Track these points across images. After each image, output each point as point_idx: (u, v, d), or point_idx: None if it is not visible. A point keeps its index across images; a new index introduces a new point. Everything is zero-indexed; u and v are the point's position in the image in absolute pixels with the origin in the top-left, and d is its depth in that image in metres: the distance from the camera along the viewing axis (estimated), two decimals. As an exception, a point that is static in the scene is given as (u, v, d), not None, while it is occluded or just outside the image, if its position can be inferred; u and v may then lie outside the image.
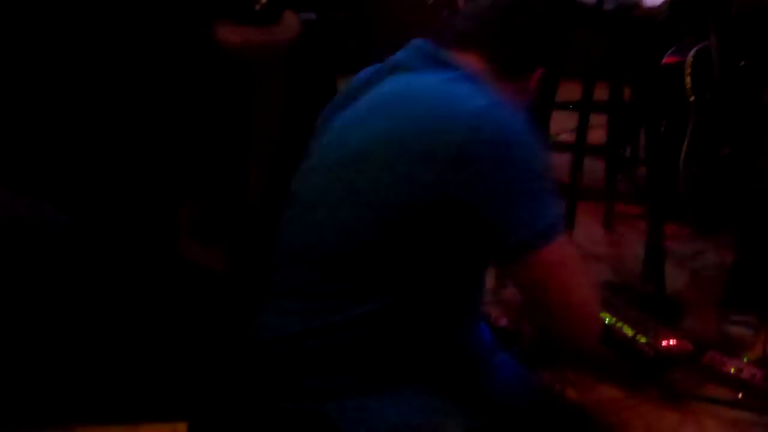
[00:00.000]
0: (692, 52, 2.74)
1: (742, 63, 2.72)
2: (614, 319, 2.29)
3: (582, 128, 2.70)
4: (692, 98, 2.70)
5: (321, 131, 1.60)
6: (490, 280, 2.59)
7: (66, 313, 1.75)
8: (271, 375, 1.52)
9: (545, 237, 1.41)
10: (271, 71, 2.47)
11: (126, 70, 2.37)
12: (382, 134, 1.44)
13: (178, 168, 2.50)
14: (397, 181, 1.40)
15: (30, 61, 2.30)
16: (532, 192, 1.40)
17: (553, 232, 1.42)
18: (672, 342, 2.28)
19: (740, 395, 2.22)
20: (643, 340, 2.26)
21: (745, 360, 2.32)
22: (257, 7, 2.45)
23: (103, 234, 2.10)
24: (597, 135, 3.09)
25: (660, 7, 2.75)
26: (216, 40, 2.41)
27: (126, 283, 2.19)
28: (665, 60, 2.82)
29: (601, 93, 2.95)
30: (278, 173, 2.57)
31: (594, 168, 3.12)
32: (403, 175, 1.40)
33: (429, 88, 1.46)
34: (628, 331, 2.28)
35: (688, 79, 2.71)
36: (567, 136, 3.26)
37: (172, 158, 2.47)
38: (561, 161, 3.09)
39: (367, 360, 1.45)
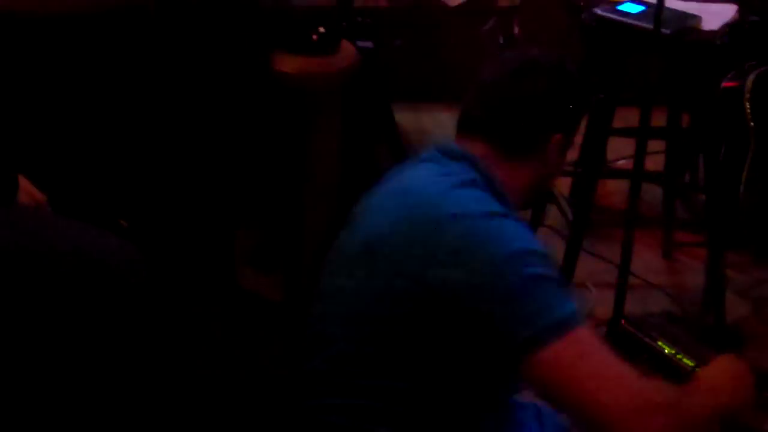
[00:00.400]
0: (752, 77, 2.70)
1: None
2: (673, 351, 2.26)
3: (639, 155, 2.67)
4: (752, 123, 2.67)
5: (355, 214, 1.60)
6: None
7: (126, 340, 1.77)
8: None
9: (552, 333, 1.34)
10: (328, 101, 2.49)
11: (185, 101, 2.41)
12: (385, 231, 1.45)
13: (237, 196, 2.53)
14: (400, 277, 1.41)
15: (87, 94, 2.35)
16: (532, 289, 1.36)
17: (561, 327, 1.34)
18: (734, 374, 2.23)
19: (805, 430, 2.17)
20: (704, 372, 2.22)
21: (809, 393, 2.27)
22: (315, 37, 2.48)
23: (164, 262, 2.13)
24: (655, 161, 3.06)
25: (719, 31, 2.72)
26: (274, 70, 2.44)
27: (185, 311, 2.21)
28: (724, 84, 2.79)
29: (659, 119, 2.92)
30: (336, 202, 2.59)
31: (652, 195, 3.09)
32: (406, 272, 1.40)
33: (431, 192, 1.46)
34: (688, 363, 2.24)
35: (747, 104, 2.67)
36: (624, 163, 3.23)
37: (230, 186, 2.50)
38: (618, 188, 3.06)
39: None
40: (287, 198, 2.54)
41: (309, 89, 2.48)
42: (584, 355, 1.34)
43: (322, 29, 2.47)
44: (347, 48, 2.56)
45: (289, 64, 2.46)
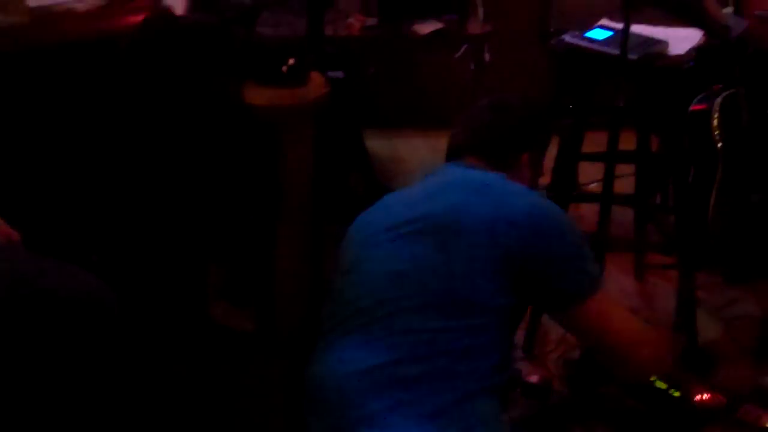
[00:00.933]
0: (719, 99, 2.73)
1: (769, 109, 2.71)
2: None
3: (608, 178, 2.70)
4: (720, 145, 2.70)
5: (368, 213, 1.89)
6: (519, 336, 2.60)
7: (106, 374, 1.77)
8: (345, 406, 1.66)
9: (592, 289, 1.73)
10: (299, 132, 2.50)
11: (155, 135, 2.41)
12: (462, 204, 1.74)
13: (209, 229, 2.53)
14: (480, 242, 1.69)
15: (57, 129, 2.36)
16: (579, 254, 1.74)
17: (597, 284, 1.75)
18: (705, 396, 2.25)
19: (776, 450, 2.19)
20: (675, 394, 2.24)
21: (781, 413, 2.29)
22: (284, 69, 2.49)
23: (136, 297, 2.13)
24: (627, 184, 3.09)
25: (685, 55, 2.75)
26: (244, 102, 2.45)
27: (158, 344, 2.21)
28: (692, 108, 2.82)
29: (629, 142, 2.95)
30: (309, 233, 2.60)
31: (624, 218, 3.11)
32: (487, 237, 1.69)
33: (487, 178, 1.82)
34: (661, 385, 2.26)
35: (715, 126, 2.71)
36: (596, 186, 3.25)
37: (202, 220, 2.50)
38: (591, 211, 3.08)
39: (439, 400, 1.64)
40: (260, 230, 2.54)
41: (279, 121, 2.49)
42: (611, 306, 1.78)
43: (291, 61, 2.49)
44: (317, 79, 2.57)
45: (259, 96, 2.47)
